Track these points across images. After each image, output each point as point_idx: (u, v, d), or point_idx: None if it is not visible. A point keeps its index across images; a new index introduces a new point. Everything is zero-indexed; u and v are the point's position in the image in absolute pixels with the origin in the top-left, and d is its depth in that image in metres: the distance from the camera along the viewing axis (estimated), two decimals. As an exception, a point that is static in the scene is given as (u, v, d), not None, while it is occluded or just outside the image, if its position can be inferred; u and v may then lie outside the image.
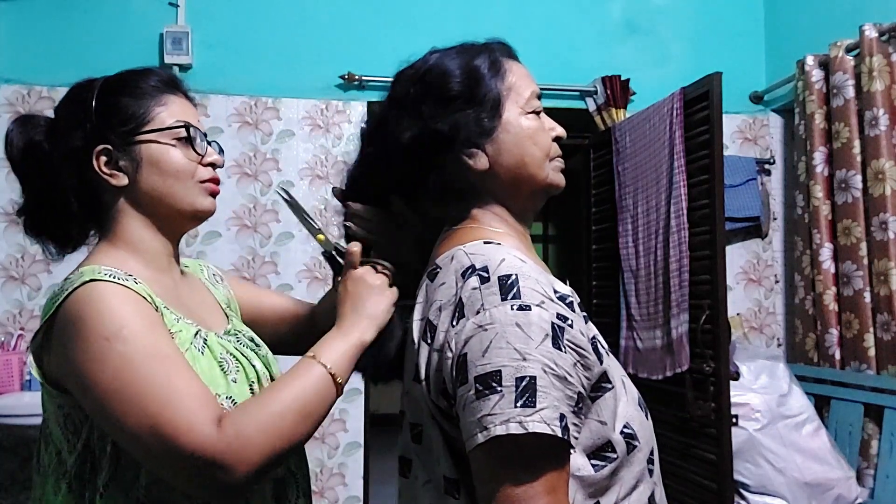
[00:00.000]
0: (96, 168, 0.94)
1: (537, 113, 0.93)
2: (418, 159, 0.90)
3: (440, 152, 0.89)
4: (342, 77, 2.96)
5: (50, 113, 1.02)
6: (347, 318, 0.94)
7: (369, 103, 3.01)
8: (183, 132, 0.97)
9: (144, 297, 0.87)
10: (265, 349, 1.07)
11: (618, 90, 3.03)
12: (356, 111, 3.01)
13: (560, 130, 0.95)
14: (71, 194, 0.94)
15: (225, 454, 0.77)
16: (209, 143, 1.01)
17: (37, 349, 0.89)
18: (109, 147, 0.94)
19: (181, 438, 0.77)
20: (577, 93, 3.11)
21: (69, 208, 0.95)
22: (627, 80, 3.07)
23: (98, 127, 0.94)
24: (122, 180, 0.94)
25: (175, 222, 0.99)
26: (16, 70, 2.78)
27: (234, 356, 0.97)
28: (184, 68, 2.86)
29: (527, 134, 0.90)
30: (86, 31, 2.83)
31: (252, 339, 1.07)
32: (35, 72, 2.79)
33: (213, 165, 1.01)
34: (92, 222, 0.99)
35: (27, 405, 2.40)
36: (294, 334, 1.20)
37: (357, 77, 2.95)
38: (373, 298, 0.95)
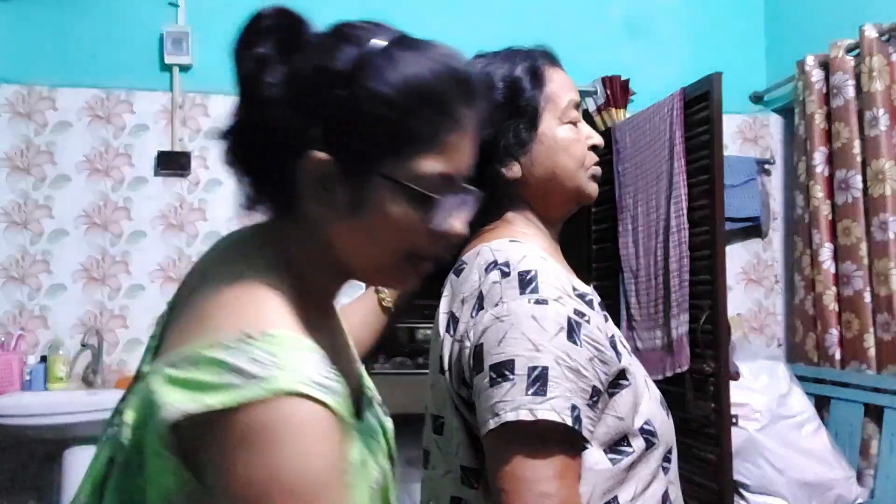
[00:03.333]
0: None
1: (575, 122, 0.94)
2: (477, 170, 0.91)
3: (484, 161, 0.90)
4: (342, 77, 2.96)
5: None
6: None
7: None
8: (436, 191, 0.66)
9: (336, 412, 0.58)
10: (385, 414, 0.83)
11: (618, 90, 3.03)
12: (356, 111, 3.00)
13: (597, 139, 0.96)
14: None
15: None
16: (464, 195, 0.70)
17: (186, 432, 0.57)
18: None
19: None
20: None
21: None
22: (627, 81, 3.07)
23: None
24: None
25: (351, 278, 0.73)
26: (16, 70, 2.78)
27: (377, 460, 0.72)
28: (184, 68, 2.86)
29: (561, 146, 0.92)
30: (86, 31, 2.83)
31: (379, 404, 0.83)
32: (35, 72, 2.78)
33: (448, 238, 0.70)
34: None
35: (27, 405, 2.40)
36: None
37: (357, 77, 2.94)
38: None
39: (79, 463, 2.39)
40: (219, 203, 2.86)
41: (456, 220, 0.68)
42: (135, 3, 2.88)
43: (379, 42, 0.64)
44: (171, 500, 0.60)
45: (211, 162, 2.87)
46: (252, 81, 0.65)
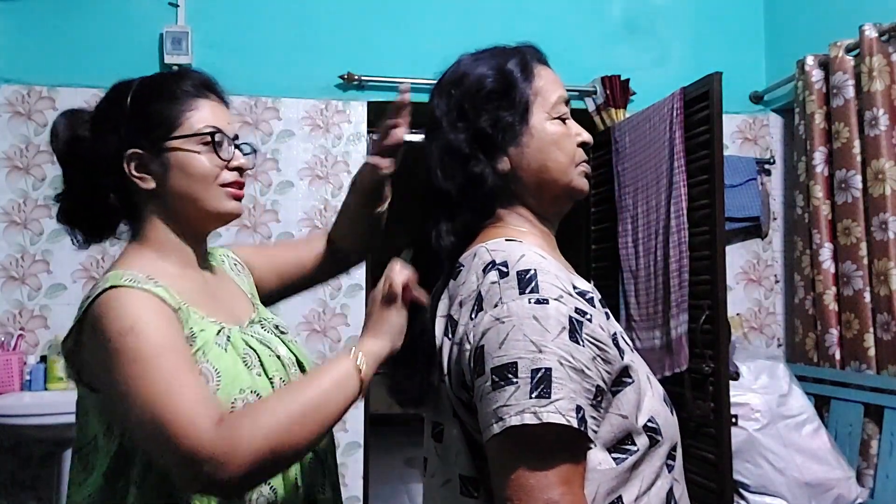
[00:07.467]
0: (126, 171, 0.97)
1: (564, 119, 0.94)
2: (468, 162, 0.90)
3: (471, 157, 0.90)
4: (342, 77, 2.96)
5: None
6: (375, 324, 0.93)
7: (369, 103, 3.01)
8: (209, 137, 1.00)
9: (163, 299, 0.91)
10: (290, 335, 1.13)
11: (617, 90, 3.03)
12: (356, 111, 3.01)
13: (586, 136, 0.96)
14: (107, 193, 1.00)
15: (216, 452, 0.78)
16: (238, 147, 1.04)
17: (68, 352, 0.95)
18: (140, 151, 0.97)
19: (179, 432, 0.79)
20: (577, 93, 3.11)
21: (104, 205, 1.01)
22: (627, 80, 3.07)
23: (131, 131, 0.98)
24: (150, 184, 0.98)
25: (200, 224, 1.03)
26: (16, 70, 2.78)
27: (256, 349, 1.00)
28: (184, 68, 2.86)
29: (551, 140, 0.91)
30: (86, 31, 2.83)
31: (277, 327, 1.11)
32: (35, 72, 2.79)
33: (240, 169, 1.03)
34: (123, 220, 1.04)
35: (27, 405, 2.40)
36: (320, 269, 1.26)
37: (357, 77, 2.95)
38: (389, 317, 0.92)
39: (78, 463, 2.39)
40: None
41: (234, 152, 1.04)
42: (135, 3, 2.88)
43: None
44: (97, 418, 0.94)
45: (211, 162, 2.87)
46: (77, 147, 1.01)
